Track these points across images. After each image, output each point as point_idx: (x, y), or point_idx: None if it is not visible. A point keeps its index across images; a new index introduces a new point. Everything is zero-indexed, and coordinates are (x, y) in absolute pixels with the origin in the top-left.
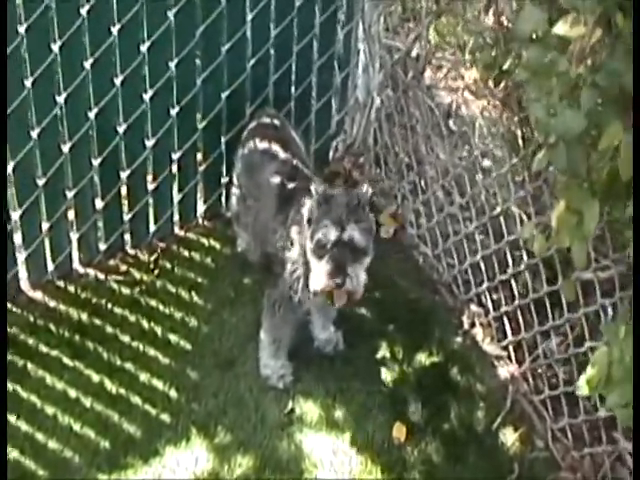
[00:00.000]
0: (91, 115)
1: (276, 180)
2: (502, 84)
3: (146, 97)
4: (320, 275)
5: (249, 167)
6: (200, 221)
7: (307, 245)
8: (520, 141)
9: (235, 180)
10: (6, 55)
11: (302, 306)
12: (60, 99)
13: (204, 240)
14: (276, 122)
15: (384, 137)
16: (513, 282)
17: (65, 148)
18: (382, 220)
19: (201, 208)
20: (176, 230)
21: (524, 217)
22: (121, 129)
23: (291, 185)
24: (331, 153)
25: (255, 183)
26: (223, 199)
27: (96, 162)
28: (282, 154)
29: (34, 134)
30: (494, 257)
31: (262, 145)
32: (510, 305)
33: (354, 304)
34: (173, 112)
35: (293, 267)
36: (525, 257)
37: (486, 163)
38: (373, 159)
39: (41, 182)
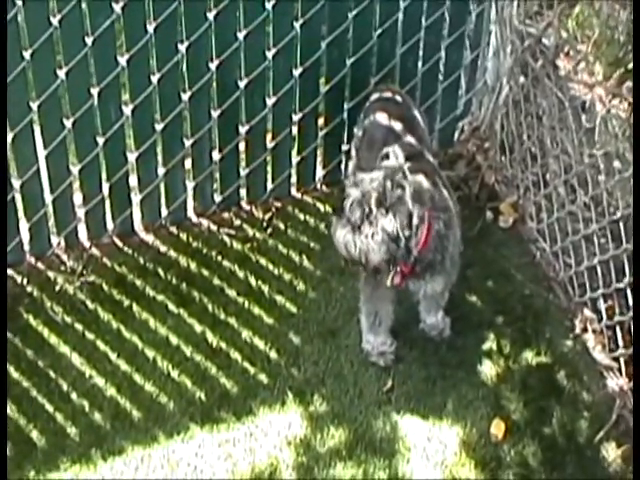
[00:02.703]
0: (212, 66)
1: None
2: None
3: (269, 54)
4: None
5: (371, 141)
6: (318, 186)
7: None
8: None
9: (353, 150)
10: (6, 52)
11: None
12: (182, 47)
13: (320, 205)
14: (399, 99)
15: (511, 124)
16: (629, 292)
17: (185, 97)
18: (502, 209)
19: (320, 173)
20: (293, 192)
21: None
22: (242, 84)
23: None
24: (456, 134)
25: (375, 158)
26: (342, 166)
27: (215, 114)
28: (407, 136)
29: (154, 79)
30: (612, 263)
31: (387, 121)
32: (624, 315)
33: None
34: (296, 73)
35: None
36: None
37: (616, 164)
38: (498, 145)
39: (159, 127)
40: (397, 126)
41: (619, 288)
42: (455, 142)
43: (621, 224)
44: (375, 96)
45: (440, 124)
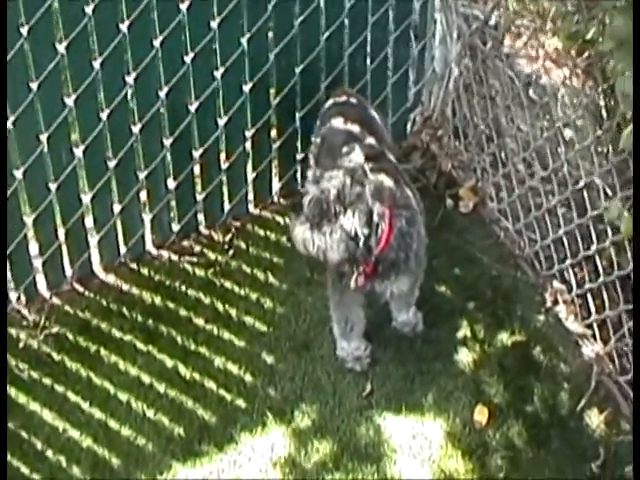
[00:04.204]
0: (162, 94)
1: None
2: (585, 54)
3: (217, 74)
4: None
5: (330, 148)
6: (275, 199)
7: None
8: (604, 112)
9: (312, 160)
10: (6, 54)
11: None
12: (129, 79)
13: (279, 218)
14: (354, 101)
15: (463, 109)
16: (597, 258)
17: (135, 129)
18: (462, 194)
19: (276, 186)
20: (251, 209)
21: (608, 191)
22: (193, 107)
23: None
24: (409, 126)
25: (336, 165)
26: (299, 176)
27: (168, 142)
28: (367, 138)
29: (104, 116)
30: (577, 232)
31: (345, 126)
32: (594, 282)
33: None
34: (246, 88)
35: None
36: (610, 232)
37: (568, 133)
38: (452, 131)
39: (112, 164)
40: (356, 129)
41: (587, 256)
42: (408, 134)
43: (584, 192)
44: (330, 102)
45: (392, 118)
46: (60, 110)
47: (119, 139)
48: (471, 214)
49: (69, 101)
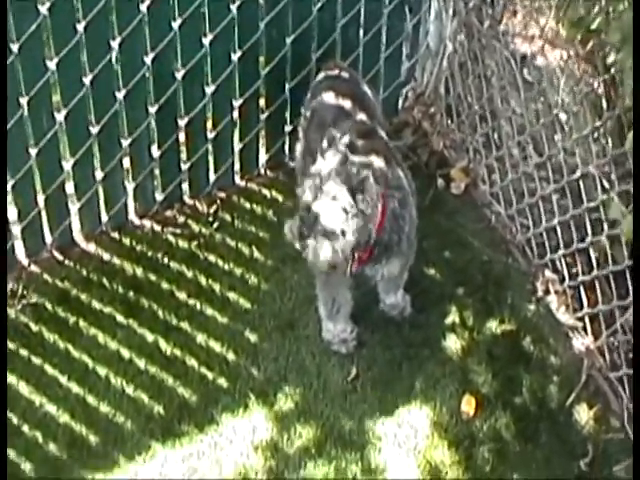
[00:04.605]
0: (147, 60)
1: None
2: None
3: (206, 41)
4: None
5: (320, 122)
6: (262, 171)
7: None
8: (604, 102)
9: (301, 133)
10: (6, 55)
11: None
12: (114, 43)
13: (266, 191)
14: (346, 75)
15: (457, 87)
16: (591, 251)
17: (119, 95)
18: (453, 175)
19: (263, 157)
20: (237, 180)
21: (605, 183)
22: (179, 75)
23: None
24: (400, 102)
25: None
26: (287, 148)
27: (153, 109)
28: (358, 114)
29: (87, 81)
30: (572, 223)
31: (336, 101)
32: (587, 275)
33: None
34: (234, 57)
35: None
36: (605, 226)
37: (564, 117)
38: (444, 109)
39: (94, 130)
40: (347, 104)
41: (581, 248)
42: (400, 110)
43: (581, 182)
44: (322, 75)
45: (384, 93)
46: (42, 73)
47: (102, 105)
48: (462, 196)
49: (51, 64)
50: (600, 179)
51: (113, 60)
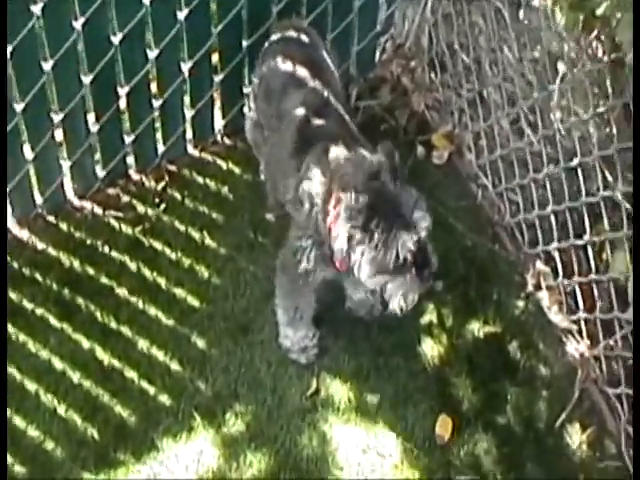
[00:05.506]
0: (77, 25)
1: (299, 113)
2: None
3: (146, 0)
4: (411, 291)
5: (268, 91)
6: (219, 138)
7: (366, 267)
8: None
9: (251, 102)
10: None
11: (309, 277)
12: (36, 9)
13: (222, 163)
14: (304, 38)
15: (441, 38)
16: (590, 250)
17: (47, 66)
18: (435, 141)
19: (220, 123)
20: (190, 149)
21: (608, 176)
22: (116, 39)
23: (317, 122)
24: (377, 55)
25: (274, 112)
26: (246, 111)
27: (87, 79)
28: (311, 81)
29: (8, 52)
30: (568, 215)
31: (287, 66)
32: (584, 277)
33: None
34: (181, 15)
35: (299, 233)
36: (607, 224)
37: (561, 67)
38: (427, 63)
39: (19, 107)
40: (301, 72)
41: (577, 245)
42: (377, 64)
43: (579, 171)
44: (275, 36)
45: (359, 45)
46: None
47: (28, 78)
48: (445, 166)
49: None
50: (602, 170)
51: (36, 28)
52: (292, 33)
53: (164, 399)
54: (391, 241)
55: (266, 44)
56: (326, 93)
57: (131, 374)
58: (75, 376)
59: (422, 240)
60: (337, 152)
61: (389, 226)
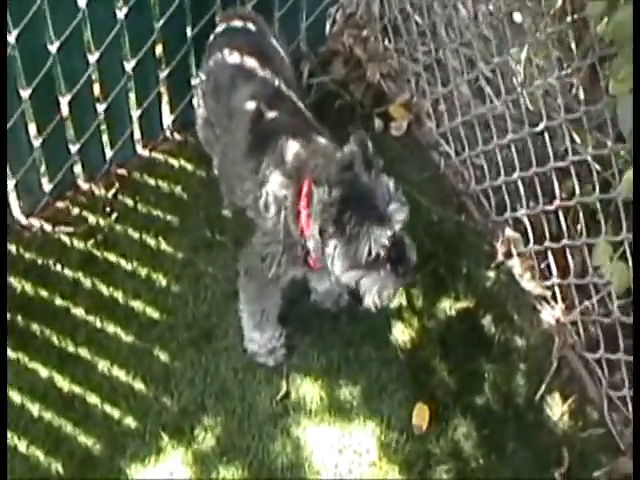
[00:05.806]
0: (11, 39)
1: (250, 107)
2: None
3: (82, 3)
4: (385, 287)
5: (217, 87)
6: (168, 134)
7: (339, 262)
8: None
9: (200, 99)
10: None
11: (279, 280)
12: None
13: (173, 161)
14: (251, 27)
15: (393, 2)
16: (561, 214)
17: None
18: (393, 112)
19: (168, 119)
20: (139, 150)
21: (576, 137)
22: (53, 47)
23: (271, 115)
24: (327, 27)
25: (224, 108)
26: (195, 102)
27: (25, 93)
28: (261, 72)
29: None
30: (537, 180)
31: (234, 59)
32: (556, 242)
33: None
34: (120, 14)
35: (266, 240)
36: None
37: (517, 17)
38: (380, 31)
39: None
40: (249, 63)
41: (547, 210)
42: (327, 37)
43: (546, 136)
44: (220, 28)
45: (307, 21)
46: None
47: None
48: (404, 137)
49: None
50: (569, 131)
51: None
52: (237, 23)
53: (129, 422)
54: (363, 235)
55: (211, 37)
56: (277, 82)
57: (93, 399)
58: (34, 408)
59: (397, 234)
60: (296, 148)
61: (361, 220)
